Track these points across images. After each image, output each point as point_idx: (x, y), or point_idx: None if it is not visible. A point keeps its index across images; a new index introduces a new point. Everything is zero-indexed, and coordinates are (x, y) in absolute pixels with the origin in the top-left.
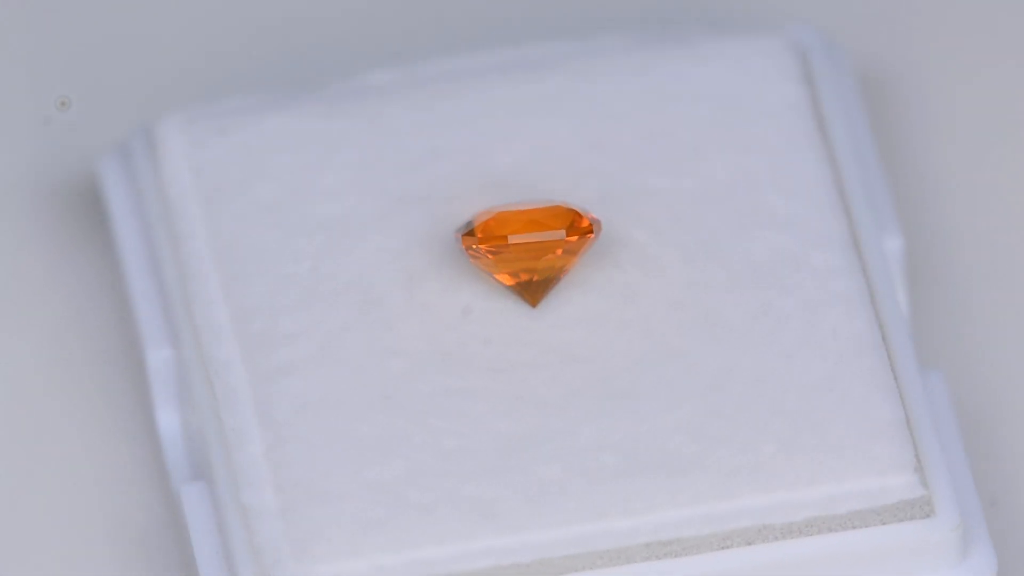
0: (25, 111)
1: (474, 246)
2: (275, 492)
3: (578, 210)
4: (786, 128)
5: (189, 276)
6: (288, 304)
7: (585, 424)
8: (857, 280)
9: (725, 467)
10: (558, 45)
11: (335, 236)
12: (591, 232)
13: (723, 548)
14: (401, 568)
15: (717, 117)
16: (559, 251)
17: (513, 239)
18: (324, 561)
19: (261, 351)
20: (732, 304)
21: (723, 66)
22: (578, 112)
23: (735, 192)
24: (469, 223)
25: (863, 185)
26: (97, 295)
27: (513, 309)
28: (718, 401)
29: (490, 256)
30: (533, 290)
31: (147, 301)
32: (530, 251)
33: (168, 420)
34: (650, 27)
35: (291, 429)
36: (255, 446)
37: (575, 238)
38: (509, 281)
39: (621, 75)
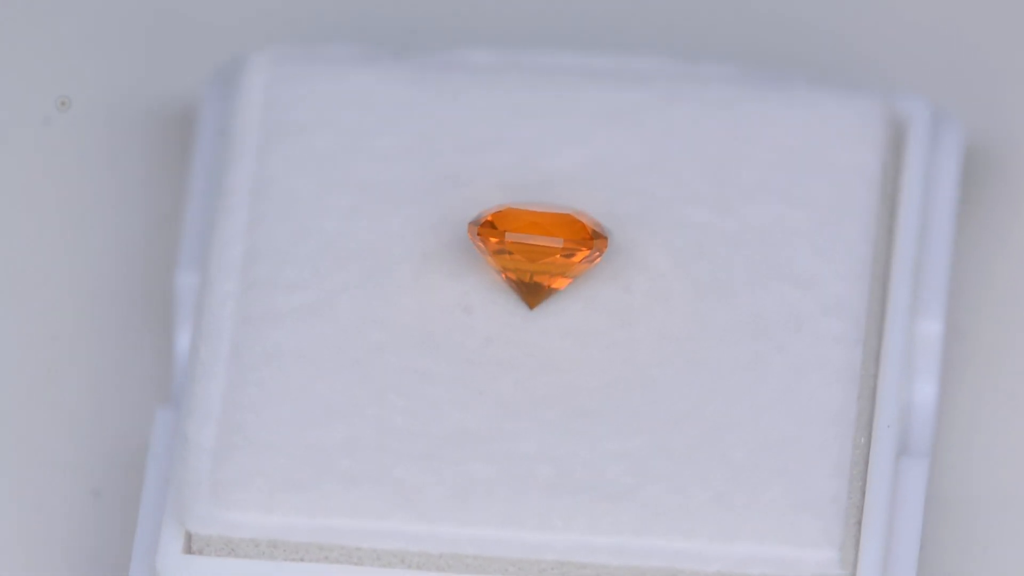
0: (142, 27)
1: (478, 237)
2: (217, 430)
3: (587, 223)
4: (846, 191)
5: (222, 205)
6: (299, 255)
7: (534, 433)
8: (856, 353)
9: (653, 505)
10: (659, 62)
11: (369, 200)
12: (589, 247)
13: None
14: (309, 532)
15: (781, 165)
16: (556, 258)
17: (510, 237)
18: (238, 509)
19: (257, 294)
20: (723, 349)
21: (806, 118)
22: (647, 131)
23: (769, 241)
24: (481, 214)
25: (914, 263)
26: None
27: (511, 308)
28: (671, 439)
29: (491, 250)
30: (532, 292)
31: (193, 225)
32: (526, 252)
33: (183, 344)
34: (759, 67)
35: (255, 374)
36: (216, 382)
37: (576, 250)
38: (507, 277)
39: (703, 104)
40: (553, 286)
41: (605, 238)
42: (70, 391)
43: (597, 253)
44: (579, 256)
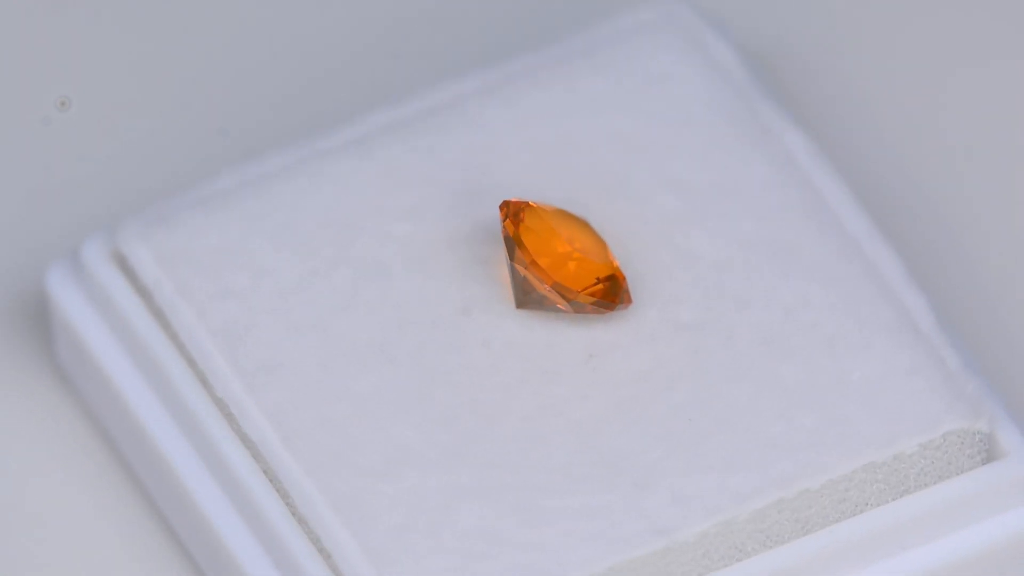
0: None
1: (504, 215)
2: (226, 200)
3: (607, 275)
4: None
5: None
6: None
7: (390, 385)
8: (656, 542)
9: (387, 519)
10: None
11: (464, 188)
12: (566, 296)
13: None
14: (172, 309)
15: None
16: (549, 284)
17: (522, 235)
18: (145, 246)
19: (379, 146)
20: (663, 434)
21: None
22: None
23: (760, 410)
24: (523, 197)
25: None
26: None
27: (503, 304)
28: (492, 475)
29: (504, 229)
30: (521, 291)
31: None
32: (533, 251)
33: None
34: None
35: (295, 192)
36: (229, 180)
37: (568, 290)
38: (508, 264)
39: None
40: (545, 297)
41: (611, 305)
42: None
43: (568, 298)
44: (563, 291)
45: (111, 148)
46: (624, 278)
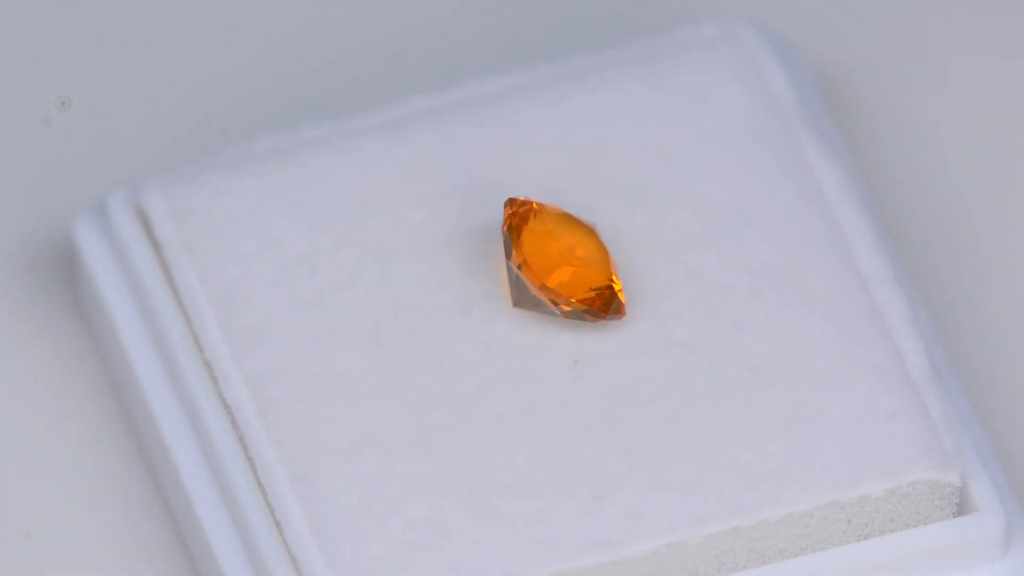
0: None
1: (508, 212)
2: (244, 178)
3: (604, 286)
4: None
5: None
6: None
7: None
8: (615, 555)
9: (336, 502)
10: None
11: (469, 192)
12: (555, 300)
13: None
14: (178, 269)
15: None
16: (538, 286)
17: (522, 235)
18: (165, 203)
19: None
20: (630, 449)
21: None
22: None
23: (735, 434)
24: (529, 197)
25: None
26: None
27: (501, 302)
28: (447, 465)
29: (511, 231)
30: (516, 290)
31: None
32: (528, 252)
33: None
34: None
35: (304, 170)
36: (260, 147)
37: (557, 295)
38: (507, 261)
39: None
40: (540, 299)
41: (601, 314)
42: None
43: (558, 303)
44: (556, 297)
45: (152, 108)
46: (620, 290)
